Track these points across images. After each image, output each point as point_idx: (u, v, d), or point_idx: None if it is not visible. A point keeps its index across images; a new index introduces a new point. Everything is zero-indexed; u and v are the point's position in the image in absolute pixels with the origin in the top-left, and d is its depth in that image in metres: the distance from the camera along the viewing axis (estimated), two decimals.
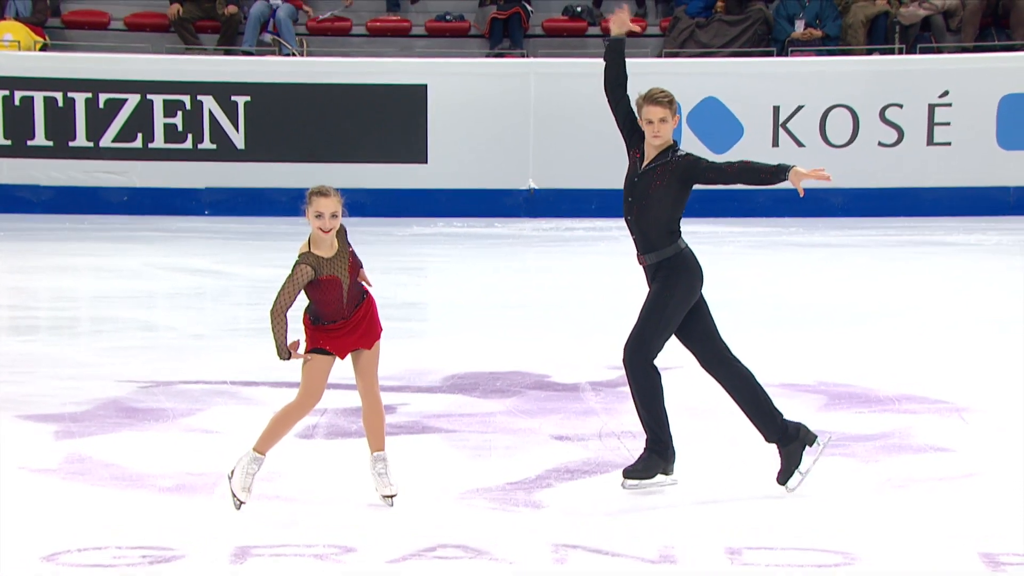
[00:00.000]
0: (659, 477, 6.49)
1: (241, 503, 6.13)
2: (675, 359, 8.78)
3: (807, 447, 6.50)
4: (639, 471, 6.47)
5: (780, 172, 6.31)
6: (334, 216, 6.10)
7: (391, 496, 6.20)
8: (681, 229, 6.45)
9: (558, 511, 6.20)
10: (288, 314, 6.06)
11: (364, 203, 15.70)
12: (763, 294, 11.68)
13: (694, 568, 5.51)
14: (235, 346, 10.00)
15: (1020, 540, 5.78)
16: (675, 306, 6.38)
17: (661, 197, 6.38)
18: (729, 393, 6.54)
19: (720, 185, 6.48)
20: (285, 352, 6.08)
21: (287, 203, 16.18)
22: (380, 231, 15.32)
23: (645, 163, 6.46)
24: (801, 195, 6.43)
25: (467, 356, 9.40)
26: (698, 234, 15.22)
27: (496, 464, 6.91)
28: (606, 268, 13.55)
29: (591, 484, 6.61)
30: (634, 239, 6.49)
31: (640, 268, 6.52)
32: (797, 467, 6.48)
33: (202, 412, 7.92)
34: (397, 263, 13.43)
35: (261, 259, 14.00)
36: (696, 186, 6.44)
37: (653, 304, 6.39)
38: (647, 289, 6.47)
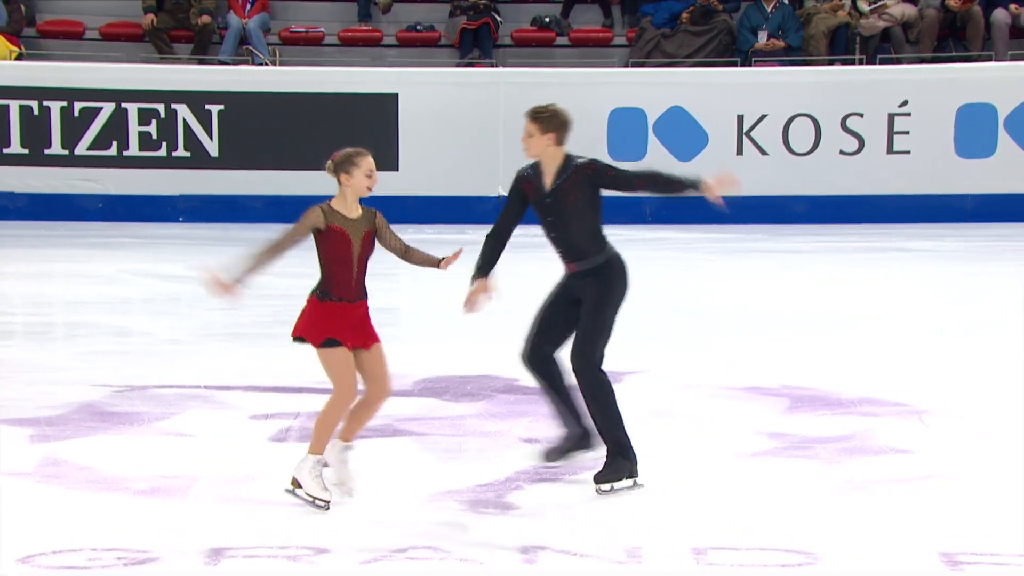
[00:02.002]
0: (628, 479, 6.54)
1: (326, 502, 6.17)
2: (636, 364, 8.90)
3: (630, 475, 6.53)
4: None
5: (691, 186, 6.40)
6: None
7: (350, 487, 6.29)
8: (605, 234, 6.56)
9: (527, 513, 6.27)
10: (279, 261, 6.10)
11: None
12: (728, 299, 11.74)
13: (660, 568, 5.58)
14: (209, 351, 9.99)
15: (978, 540, 5.86)
16: (613, 311, 6.53)
17: (579, 208, 6.54)
18: (585, 394, 6.57)
19: (626, 192, 6.60)
20: (229, 277, 6.05)
21: (260, 209, 16.22)
22: None
23: (550, 182, 6.60)
24: (721, 207, 6.48)
25: (438, 360, 9.42)
26: (664, 240, 15.31)
27: (466, 467, 6.97)
28: None
29: (559, 486, 6.67)
30: (560, 252, 6.62)
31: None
32: (614, 481, 6.50)
33: (176, 416, 7.93)
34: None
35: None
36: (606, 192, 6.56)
37: (594, 311, 6.51)
38: (570, 295, 6.57)
